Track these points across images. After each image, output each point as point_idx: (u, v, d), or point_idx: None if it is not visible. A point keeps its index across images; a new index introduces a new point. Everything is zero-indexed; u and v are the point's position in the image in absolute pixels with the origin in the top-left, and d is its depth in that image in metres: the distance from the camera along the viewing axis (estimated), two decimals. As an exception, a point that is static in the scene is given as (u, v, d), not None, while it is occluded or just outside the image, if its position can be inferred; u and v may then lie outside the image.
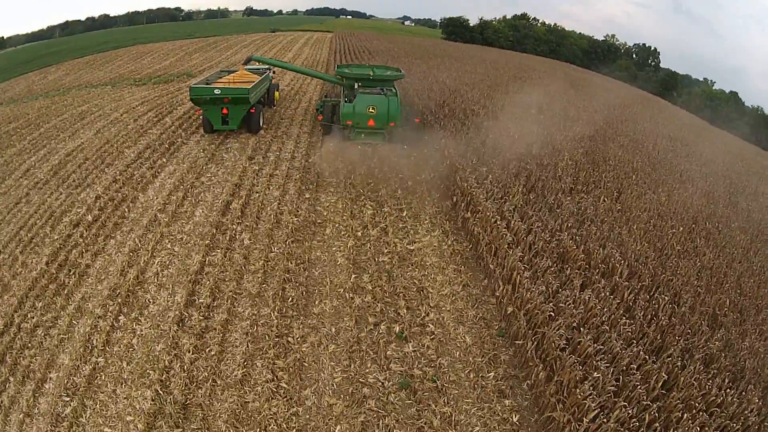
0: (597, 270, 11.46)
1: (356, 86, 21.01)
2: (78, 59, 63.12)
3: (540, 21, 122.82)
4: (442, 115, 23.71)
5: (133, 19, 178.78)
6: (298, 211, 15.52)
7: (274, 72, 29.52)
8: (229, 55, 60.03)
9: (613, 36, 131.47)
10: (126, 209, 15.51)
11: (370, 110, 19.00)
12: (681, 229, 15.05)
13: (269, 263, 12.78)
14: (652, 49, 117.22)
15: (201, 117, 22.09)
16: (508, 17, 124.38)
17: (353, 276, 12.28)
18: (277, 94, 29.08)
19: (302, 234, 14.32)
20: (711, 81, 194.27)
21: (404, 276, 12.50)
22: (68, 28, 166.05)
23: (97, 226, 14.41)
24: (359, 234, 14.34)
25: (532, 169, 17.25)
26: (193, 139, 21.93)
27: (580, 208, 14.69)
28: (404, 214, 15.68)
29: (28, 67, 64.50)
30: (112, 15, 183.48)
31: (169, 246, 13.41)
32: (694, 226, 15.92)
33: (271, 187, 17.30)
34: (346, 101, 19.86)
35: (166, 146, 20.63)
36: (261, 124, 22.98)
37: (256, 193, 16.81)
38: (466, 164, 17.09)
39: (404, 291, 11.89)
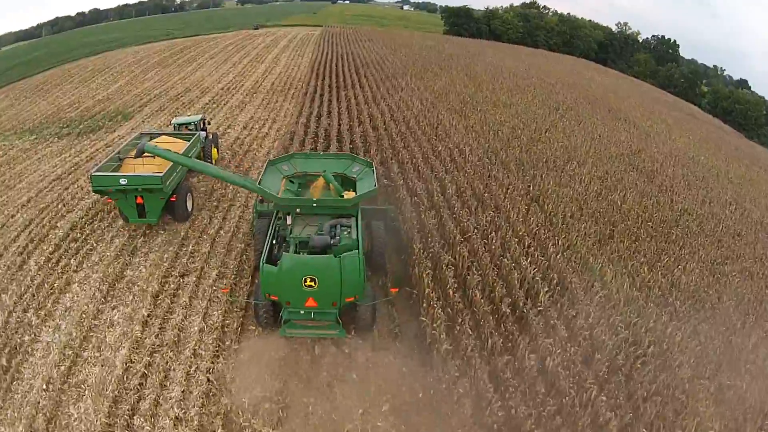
0: None
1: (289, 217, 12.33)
2: (36, 76, 55.51)
3: (551, 10, 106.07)
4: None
5: (123, 12, 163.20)
6: None
7: (209, 123, 21.78)
8: (189, 72, 46.56)
9: (625, 24, 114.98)
10: None
11: (308, 283, 10.43)
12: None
13: None
14: (672, 41, 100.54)
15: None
16: (516, 5, 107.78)
17: None
18: (215, 151, 21.47)
19: None
20: (720, 68, 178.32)
21: None
22: (57, 25, 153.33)
23: None
24: None
25: None
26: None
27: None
28: None
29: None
30: (102, 8, 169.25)
31: None
32: None
33: None
34: (275, 254, 11.60)
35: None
36: (190, 209, 16.68)
37: None
38: None
39: None
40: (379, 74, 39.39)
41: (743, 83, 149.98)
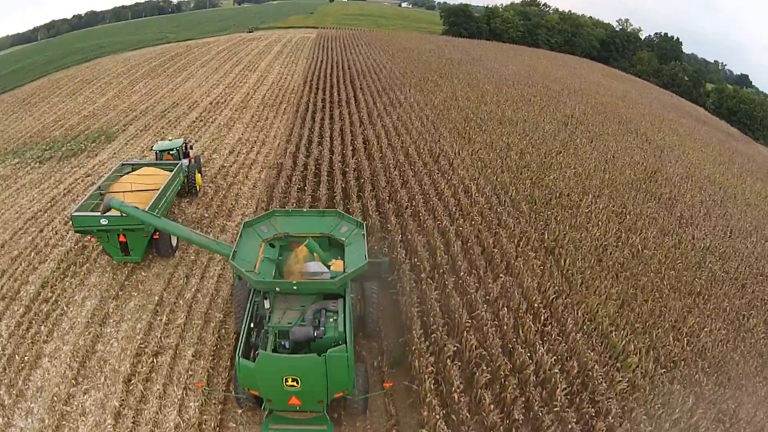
0: None
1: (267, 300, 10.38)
2: (25, 87, 53.86)
3: (552, 8, 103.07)
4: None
5: (119, 14, 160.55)
6: None
7: (191, 147, 20.87)
8: (178, 83, 44.42)
9: (626, 21, 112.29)
10: None
11: (289, 383, 8.94)
12: None
13: None
14: (675, 38, 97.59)
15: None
16: (516, 2, 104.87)
17: None
18: (199, 177, 20.09)
19: None
20: (722, 64, 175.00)
21: None
22: (54, 28, 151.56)
23: None
24: None
25: None
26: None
27: None
28: None
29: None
30: (98, 10, 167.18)
31: None
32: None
33: None
34: (253, 341, 10.26)
35: None
36: (175, 244, 15.75)
37: None
38: None
39: None
40: (375, 85, 36.98)
41: (744, 78, 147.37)
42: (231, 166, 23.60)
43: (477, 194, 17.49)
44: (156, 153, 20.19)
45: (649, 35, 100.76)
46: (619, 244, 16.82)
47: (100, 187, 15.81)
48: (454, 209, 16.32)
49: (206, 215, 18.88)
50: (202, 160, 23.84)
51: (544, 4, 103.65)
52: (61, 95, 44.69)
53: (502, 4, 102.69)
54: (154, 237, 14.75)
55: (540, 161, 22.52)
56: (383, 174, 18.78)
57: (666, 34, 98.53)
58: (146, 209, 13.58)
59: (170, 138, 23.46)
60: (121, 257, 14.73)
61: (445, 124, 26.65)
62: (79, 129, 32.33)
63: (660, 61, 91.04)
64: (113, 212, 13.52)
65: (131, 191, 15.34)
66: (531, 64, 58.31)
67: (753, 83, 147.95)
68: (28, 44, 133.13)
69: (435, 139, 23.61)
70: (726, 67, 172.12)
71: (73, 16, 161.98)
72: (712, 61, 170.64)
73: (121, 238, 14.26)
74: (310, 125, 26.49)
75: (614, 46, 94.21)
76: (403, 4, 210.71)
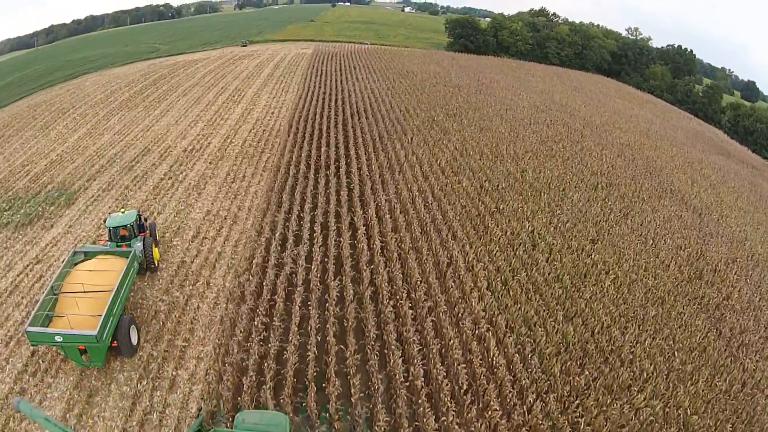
0: None
1: None
2: (5, 109, 52.23)
3: (562, 18, 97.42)
4: None
5: (118, 19, 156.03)
6: None
7: (146, 219, 20.32)
8: (156, 117, 40.13)
9: (636, 29, 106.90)
10: None
11: None
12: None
13: None
14: (688, 51, 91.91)
15: None
16: (523, 11, 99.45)
17: None
18: (156, 251, 18.78)
19: None
20: (729, 70, 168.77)
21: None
22: (53, 33, 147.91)
23: None
24: None
25: None
26: None
27: None
28: None
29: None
30: (98, 14, 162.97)
31: None
32: None
33: None
34: None
35: None
36: (136, 342, 15.07)
37: None
38: None
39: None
40: (371, 132, 31.94)
41: (751, 85, 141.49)
42: (192, 263, 18.95)
43: (496, 350, 12.70)
44: (109, 230, 18.46)
45: (662, 47, 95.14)
46: (667, 411, 12.28)
47: (52, 287, 14.97)
48: (465, 384, 11.55)
49: (154, 354, 14.73)
50: (161, 244, 20.16)
51: (553, 14, 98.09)
52: (35, 128, 40.84)
53: (508, 13, 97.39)
54: (113, 345, 14.27)
55: (572, 265, 17.69)
56: (373, 322, 13.84)
57: (680, 46, 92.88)
58: (101, 319, 13.11)
59: (123, 210, 19.79)
60: (82, 363, 14.31)
61: (455, 201, 21.75)
62: (43, 180, 28.84)
63: (673, 75, 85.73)
64: (67, 330, 13.30)
65: (83, 292, 14.32)
66: (545, 89, 53.01)
67: (760, 89, 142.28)
68: (25, 50, 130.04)
69: (442, 234, 18.70)
70: (733, 73, 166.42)
71: (72, 21, 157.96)
72: (720, 67, 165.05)
73: (81, 347, 13.76)
74: (288, 206, 21.48)
75: (626, 59, 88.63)
76: (407, 9, 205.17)
